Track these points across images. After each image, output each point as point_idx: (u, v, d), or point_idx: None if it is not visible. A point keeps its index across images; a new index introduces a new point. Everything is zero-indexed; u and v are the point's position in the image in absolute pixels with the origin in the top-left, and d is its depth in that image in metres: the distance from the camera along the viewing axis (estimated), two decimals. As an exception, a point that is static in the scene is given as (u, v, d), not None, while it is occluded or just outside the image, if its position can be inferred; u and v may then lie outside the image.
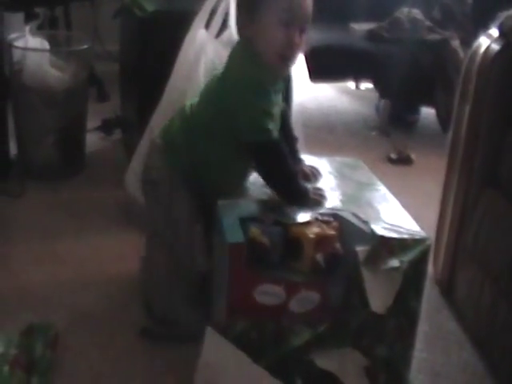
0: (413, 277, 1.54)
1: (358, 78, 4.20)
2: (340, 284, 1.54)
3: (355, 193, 1.79)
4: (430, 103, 3.65)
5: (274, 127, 1.67)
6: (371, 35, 3.65)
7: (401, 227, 1.59)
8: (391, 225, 1.60)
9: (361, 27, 3.75)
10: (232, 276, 1.52)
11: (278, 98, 1.78)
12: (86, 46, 2.76)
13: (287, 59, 1.71)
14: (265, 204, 1.69)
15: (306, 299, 1.53)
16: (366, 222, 1.58)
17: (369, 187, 1.84)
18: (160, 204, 1.85)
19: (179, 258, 1.83)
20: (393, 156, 3.33)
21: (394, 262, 1.52)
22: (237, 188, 1.82)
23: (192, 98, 1.91)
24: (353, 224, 1.59)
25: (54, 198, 2.63)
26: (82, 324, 1.91)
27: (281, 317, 1.53)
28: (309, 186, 1.75)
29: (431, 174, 2.42)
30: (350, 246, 1.55)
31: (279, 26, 1.67)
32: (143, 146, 2.39)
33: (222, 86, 1.76)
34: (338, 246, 1.53)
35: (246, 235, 1.51)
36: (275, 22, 1.67)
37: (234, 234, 1.52)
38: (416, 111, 3.86)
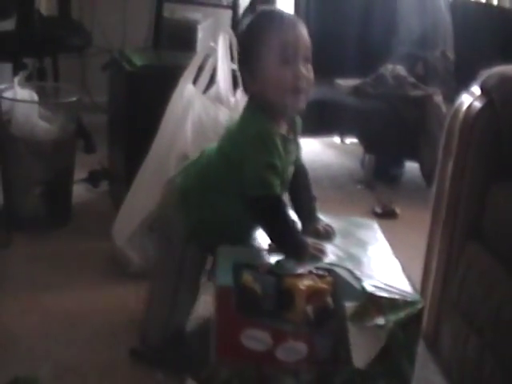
0: (405, 339, 1.56)
1: (343, 133, 4.26)
2: (328, 338, 1.56)
3: (356, 251, 1.81)
4: (414, 158, 3.69)
5: (277, 181, 1.70)
6: (356, 91, 3.71)
7: (394, 287, 1.61)
8: (385, 284, 1.62)
9: (346, 83, 3.80)
10: (219, 318, 1.57)
11: (290, 148, 1.80)
12: (74, 99, 2.78)
13: (299, 92, 1.72)
14: (263, 253, 1.73)
15: (293, 349, 1.55)
16: (358, 279, 1.61)
17: (372, 246, 1.87)
18: (172, 258, 1.89)
19: (180, 303, 1.89)
20: (377, 210, 3.36)
21: (380, 320, 1.53)
22: (244, 240, 1.83)
23: (210, 146, 1.92)
24: (345, 280, 1.62)
25: (41, 250, 2.61)
26: (68, 378, 1.89)
27: (267, 364, 1.56)
28: (310, 240, 1.77)
29: (416, 228, 2.44)
30: (341, 301, 1.57)
31: (282, 66, 1.69)
32: (130, 199, 2.41)
33: (233, 139, 1.80)
34: (329, 300, 1.56)
35: (238, 281, 1.56)
36: (277, 63, 1.70)
37: (223, 278, 1.59)
38: (400, 165, 3.91)
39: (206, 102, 2.31)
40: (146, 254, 2.36)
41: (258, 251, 1.75)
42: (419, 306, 1.58)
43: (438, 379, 2.03)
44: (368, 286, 1.59)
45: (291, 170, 1.86)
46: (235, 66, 2.36)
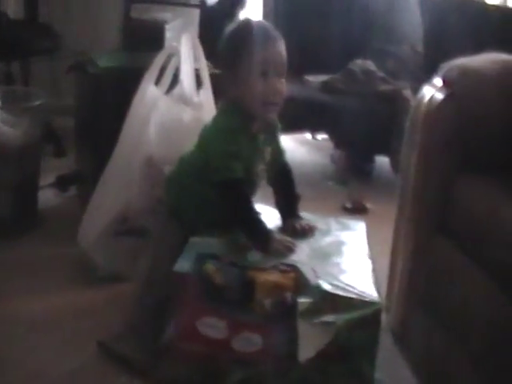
0: (363, 339, 1.57)
1: (313, 130, 4.24)
2: (285, 333, 1.58)
3: (330, 250, 1.83)
4: (384, 152, 3.69)
5: (238, 167, 1.81)
6: (326, 87, 3.70)
7: (355, 288, 1.61)
8: (346, 284, 1.62)
9: (315, 79, 3.79)
10: (177, 304, 1.64)
11: (261, 148, 1.93)
12: (38, 103, 2.75)
13: (271, 105, 1.87)
14: (233, 246, 1.76)
15: (248, 340, 1.60)
16: (318, 277, 1.62)
17: (348, 247, 1.88)
18: (157, 230, 2.07)
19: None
20: (348, 205, 3.36)
21: (330, 318, 1.54)
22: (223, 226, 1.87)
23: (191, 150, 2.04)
24: (305, 277, 1.62)
25: (6, 256, 2.58)
26: (37, 384, 1.88)
27: (223, 353, 1.60)
28: (279, 236, 1.82)
29: (386, 223, 2.42)
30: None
31: (259, 78, 1.82)
32: (94, 203, 2.39)
33: (206, 134, 1.95)
34: (288, 295, 1.58)
35: (200, 269, 1.62)
36: (255, 74, 1.82)
37: (181, 264, 1.65)
38: (371, 160, 3.91)
39: (169, 103, 2.29)
40: (112, 258, 2.35)
41: (227, 244, 1.78)
42: (377, 307, 1.58)
43: (407, 373, 2.02)
44: (326, 284, 1.60)
45: (262, 169, 1.95)
46: (199, 65, 2.36)
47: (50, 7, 4.03)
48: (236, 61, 1.86)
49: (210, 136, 1.93)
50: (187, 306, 1.63)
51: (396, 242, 2.21)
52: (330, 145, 4.04)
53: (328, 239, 1.91)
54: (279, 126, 2.02)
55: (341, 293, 1.58)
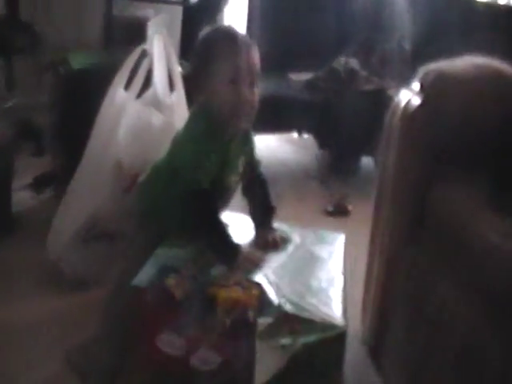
0: (327, 364, 1.51)
1: (296, 129, 4.18)
2: (244, 352, 1.53)
3: (302, 265, 1.78)
4: (369, 153, 3.64)
5: (205, 179, 1.77)
6: (308, 85, 3.65)
7: (319, 309, 1.56)
8: (310, 304, 1.57)
9: (298, 77, 3.74)
10: (137, 319, 1.61)
11: (232, 157, 1.89)
12: (10, 104, 2.69)
13: (241, 114, 1.82)
14: (198, 258, 1.71)
15: (207, 358, 1.55)
16: (282, 296, 1.57)
17: (321, 263, 1.82)
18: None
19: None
20: (329, 207, 3.30)
21: (287, 340, 1.49)
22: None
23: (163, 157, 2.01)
24: (267, 295, 1.58)
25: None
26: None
27: (182, 370, 1.56)
28: (246, 250, 1.77)
29: (367, 226, 2.38)
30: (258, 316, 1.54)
31: (228, 85, 1.79)
32: (63, 208, 2.34)
33: (176, 142, 1.92)
34: (250, 313, 1.53)
35: (161, 283, 1.58)
36: (224, 81, 1.79)
37: (140, 278, 1.61)
38: (356, 161, 3.85)
39: (139, 107, 2.24)
40: (82, 264, 2.31)
41: (193, 256, 1.73)
42: (340, 330, 1.52)
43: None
44: (288, 304, 1.55)
45: (235, 179, 1.93)
46: (171, 67, 2.31)
47: (31, 5, 3.99)
48: (205, 67, 1.83)
49: (180, 144, 1.90)
50: (146, 322, 1.59)
51: (372, 248, 2.16)
52: (315, 144, 3.97)
53: (301, 253, 1.86)
54: (253, 135, 1.98)
55: (303, 314, 1.52)
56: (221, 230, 1.78)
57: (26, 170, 3.01)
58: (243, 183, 1.98)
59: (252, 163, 2.00)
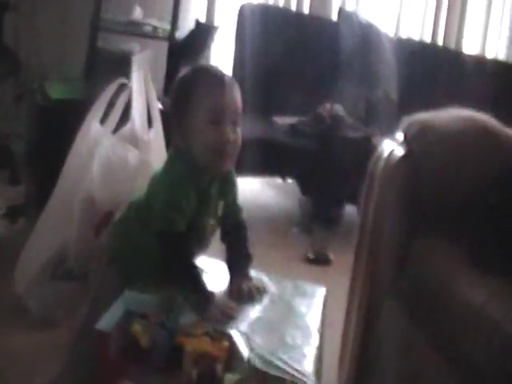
0: None
1: (279, 173, 4.13)
2: None
3: (277, 318, 1.70)
4: (352, 201, 3.58)
5: (180, 220, 1.71)
6: (293, 130, 3.61)
7: (290, 365, 1.48)
8: (281, 360, 1.49)
9: (283, 121, 3.70)
10: (96, 363, 1.52)
11: (211, 203, 1.81)
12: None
13: (223, 155, 1.75)
14: (167, 305, 1.63)
15: None
16: (252, 350, 1.50)
17: (298, 317, 1.73)
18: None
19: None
20: (310, 256, 3.24)
21: None
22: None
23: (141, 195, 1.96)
24: (238, 349, 1.50)
25: None
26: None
27: None
28: (221, 301, 1.69)
29: (348, 276, 2.32)
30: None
31: (210, 125, 1.72)
32: (31, 242, 2.27)
33: (154, 183, 1.85)
34: (218, 367, 1.45)
35: (126, 329, 1.51)
36: (205, 122, 1.72)
37: (105, 322, 1.52)
38: (339, 209, 3.79)
39: (115, 142, 2.17)
40: (46, 303, 2.23)
41: (162, 300, 1.64)
42: None
43: None
44: (258, 359, 1.48)
45: (212, 224, 1.85)
46: (150, 104, 2.25)
47: (15, 30, 3.93)
48: (185, 108, 1.77)
49: (157, 185, 1.83)
50: (108, 368, 1.51)
51: (351, 301, 2.09)
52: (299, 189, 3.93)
53: (278, 306, 1.77)
54: (236, 179, 1.90)
55: (271, 371, 1.46)
56: (193, 275, 1.71)
57: (1, 198, 2.92)
58: (222, 228, 1.91)
59: (233, 208, 1.92)
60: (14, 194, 3.22)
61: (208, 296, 1.67)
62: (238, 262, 1.87)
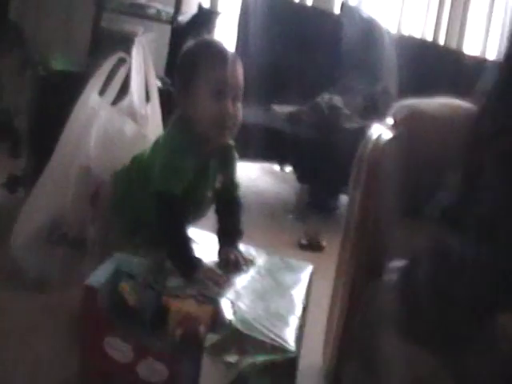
0: None
1: (277, 160, 4.17)
2: (192, 367, 1.49)
3: (262, 290, 1.74)
4: (348, 191, 3.61)
5: (178, 184, 1.75)
6: (291, 118, 3.65)
7: (272, 331, 1.52)
8: (263, 326, 1.53)
9: (282, 109, 3.73)
10: (84, 318, 1.60)
11: (209, 172, 1.87)
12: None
13: (223, 128, 1.81)
14: (156, 267, 1.68)
15: (154, 369, 1.52)
16: (235, 314, 1.54)
17: (284, 290, 1.77)
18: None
19: None
20: (303, 241, 3.27)
21: (233, 358, 1.46)
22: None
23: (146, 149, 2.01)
24: (221, 312, 1.55)
25: None
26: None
27: (128, 377, 1.53)
28: (209, 268, 1.74)
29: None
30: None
31: (212, 98, 1.78)
32: (28, 207, 2.30)
33: (156, 147, 1.91)
34: (201, 328, 1.50)
35: (114, 287, 1.56)
36: (208, 94, 1.78)
37: (95, 278, 1.59)
38: (334, 198, 3.83)
39: (113, 114, 2.20)
40: (42, 265, 2.25)
41: (151, 262, 1.70)
42: (290, 355, 1.48)
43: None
44: (239, 322, 1.51)
45: (209, 196, 1.91)
46: (149, 78, 2.29)
47: (22, 5, 3.98)
48: (190, 79, 1.82)
49: (159, 147, 1.88)
50: (94, 322, 1.57)
51: (336, 283, 2.12)
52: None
53: (264, 278, 1.81)
54: (236, 156, 1.95)
55: (253, 334, 1.49)
56: (183, 240, 1.75)
57: (2, 170, 2.95)
58: (218, 202, 1.95)
59: (230, 183, 1.97)
60: (14, 166, 3.26)
61: (195, 261, 1.72)
62: (228, 234, 1.92)
